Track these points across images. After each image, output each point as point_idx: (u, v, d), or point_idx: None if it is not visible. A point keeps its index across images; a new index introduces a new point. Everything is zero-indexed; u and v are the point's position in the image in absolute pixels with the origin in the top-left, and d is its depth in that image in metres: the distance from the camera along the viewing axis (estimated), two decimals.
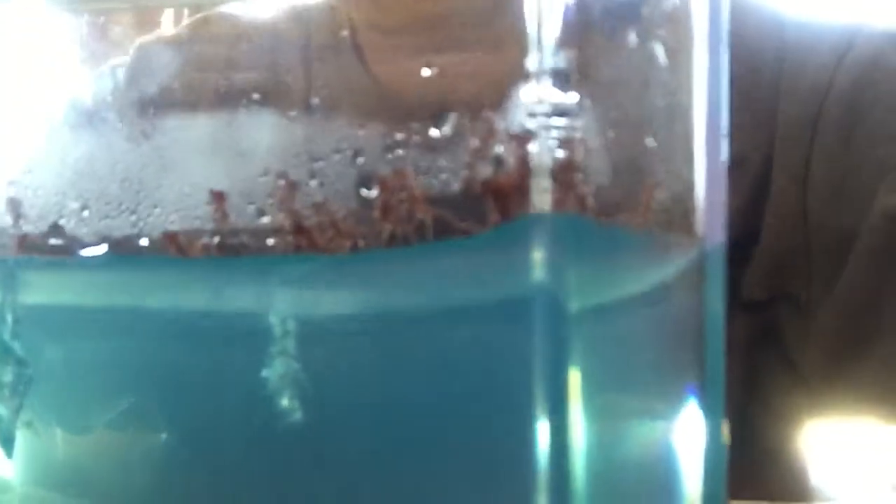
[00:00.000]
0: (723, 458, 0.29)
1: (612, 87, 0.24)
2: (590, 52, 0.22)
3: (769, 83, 0.58)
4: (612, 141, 0.23)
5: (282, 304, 0.27)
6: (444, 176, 0.24)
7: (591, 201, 0.23)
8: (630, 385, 0.27)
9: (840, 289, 0.56)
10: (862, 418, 0.58)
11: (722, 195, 0.27)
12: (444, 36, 0.26)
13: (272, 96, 0.28)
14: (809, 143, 0.56)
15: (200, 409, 0.29)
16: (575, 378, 0.24)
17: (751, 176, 0.57)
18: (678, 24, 0.26)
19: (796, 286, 0.57)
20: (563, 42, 0.22)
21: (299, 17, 0.29)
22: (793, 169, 0.56)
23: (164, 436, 0.29)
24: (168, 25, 0.33)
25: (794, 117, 0.57)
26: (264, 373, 0.27)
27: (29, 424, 0.31)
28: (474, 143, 0.23)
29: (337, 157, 0.25)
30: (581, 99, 0.22)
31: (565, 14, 0.22)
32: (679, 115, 0.26)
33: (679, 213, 0.27)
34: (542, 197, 0.22)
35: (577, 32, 0.22)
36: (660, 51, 0.25)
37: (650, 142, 0.25)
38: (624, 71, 0.24)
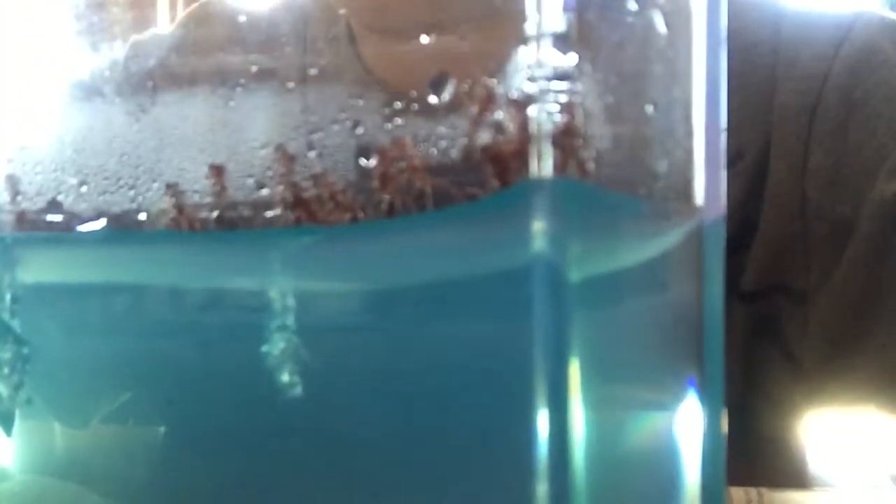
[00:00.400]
0: (722, 439, 0.29)
1: (611, 53, 0.24)
2: (589, 18, 0.22)
3: (765, 73, 0.58)
4: (611, 107, 0.23)
5: (281, 277, 0.27)
6: (443, 144, 0.24)
7: (591, 167, 0.23)
8: (630, 362, 0.27)
9: (838, 277, 0.56)
10: (860, 408, 0.58)
11: (721, 167, 0.27)
12: (439, 25, 0.26)
13: (268, 80, 0.28)
14: (807, 132, 0.56)
15: (201, 384, 0.28)
16: (575, 346, 0.24)
17: (748, 166, 0.57)
18: None
19: (794, 275, 0.57)
20: (563, 6, 0.22)
21: (295, 10, 0.29)
22: (790, 157, 0.56)
23: (164, 413, 0.29)
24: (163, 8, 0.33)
25: (791, 106, 0.57)
26: (264, 347, 0.27)
27: (28, 402, 0.31)
28: (473, 109, 0.23)
29: (335, 127, 0.25)
30: (580, 62, 0.22)
31: None
32: (678, 84, 0.26)
33: (678, 183, 0.26)
34: (541, 161, 0.22)
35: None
36: (659, 19, 0.25)
37: (649, 109, 0.25)
38: (623, 37, 0.24)
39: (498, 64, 0.22)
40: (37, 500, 0.33)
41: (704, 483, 0.29)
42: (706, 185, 0.27)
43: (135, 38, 0.31)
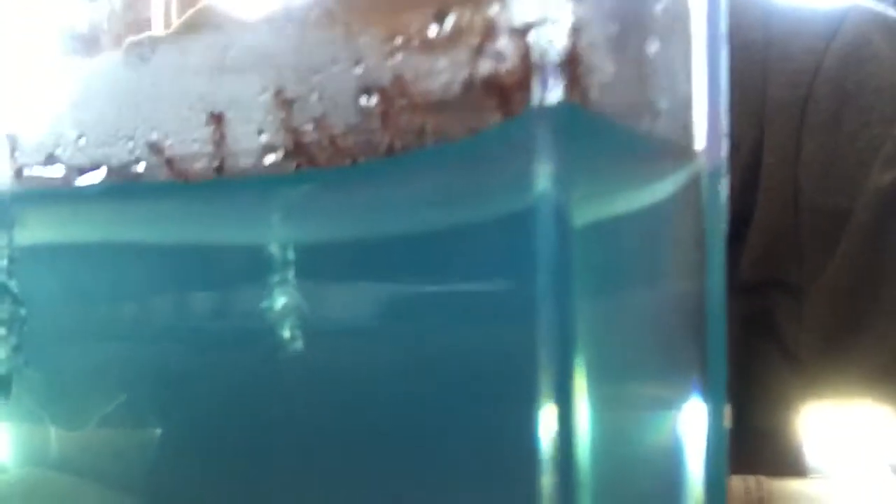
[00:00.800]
0: (723, 423, 0.29)
1: None
2: None
3: (757, 68, 0.58)
4: (613, 38, 0.23)
5: (282, 225, 0.26)
6: (444, 78, 0.24)
7: (594, 95, 0.23)
8: (630, 340, 0.27)
9: (832, 270, 0.56)
10: (857, 400, 0.58)
11: (722, 115, 0.27)
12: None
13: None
14: (799, 124, 0.56)
15: (201, 338, 0.28)
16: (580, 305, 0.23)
17: (742, 159, 0.57)
18: None
19: (789, 268, 0.57)
20: None
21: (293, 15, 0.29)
22: (783, 150, 0.57)
23: (165, 366, 0.29)
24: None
25: (783, 100, 0.57)
26: (265, 301, 0.27)
27: (26, 364, 0.30)
28: (473, 40, 0.23)
29: (335, 68, 0.25)
30: None
31: None
32: (679, 24, 0.26)
33: (678, 125, 0.26)
34: (544, 89, 0.22)
35: None
36: None
37: (651, 45, 0.25)
38: None
39: None
40: (32, 492, 0.33)
41: (708, 472, 0.29)
42: (708, 131, 0.27)
43: (130, 39, 0.31)
